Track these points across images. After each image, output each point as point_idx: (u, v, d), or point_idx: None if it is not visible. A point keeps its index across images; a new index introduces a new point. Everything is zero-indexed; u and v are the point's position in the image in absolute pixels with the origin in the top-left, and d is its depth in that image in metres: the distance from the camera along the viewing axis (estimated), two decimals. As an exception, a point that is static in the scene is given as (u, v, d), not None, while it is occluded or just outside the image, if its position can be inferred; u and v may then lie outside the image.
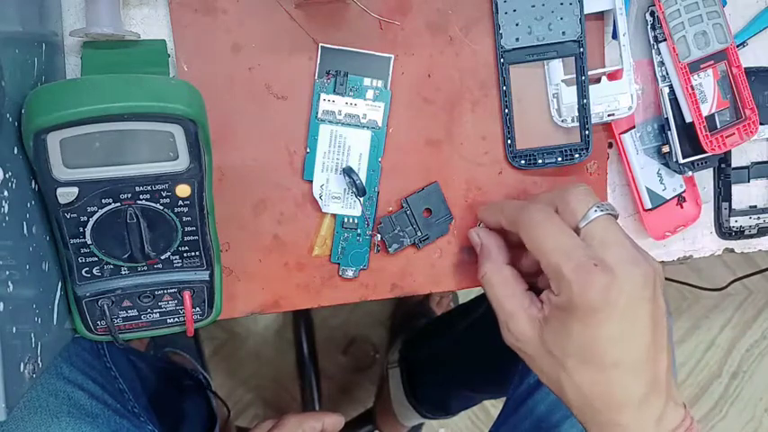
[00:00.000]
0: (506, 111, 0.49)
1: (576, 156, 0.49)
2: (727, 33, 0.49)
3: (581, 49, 0.48)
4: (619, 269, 0.38)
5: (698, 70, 0.49)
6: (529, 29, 0.48)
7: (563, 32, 0.47)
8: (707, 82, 0.50)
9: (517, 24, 0.48)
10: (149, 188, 0.38)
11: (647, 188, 0.51)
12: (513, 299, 0.42)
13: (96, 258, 0.40)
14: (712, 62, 0.49)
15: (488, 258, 0.44)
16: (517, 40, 0.48)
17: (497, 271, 0.44)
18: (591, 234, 0.40)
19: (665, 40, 0.49)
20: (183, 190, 0.39)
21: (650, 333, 0.39)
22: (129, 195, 0.38)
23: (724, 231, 0.54)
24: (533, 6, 0.47)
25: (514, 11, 0.47)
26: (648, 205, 0.51)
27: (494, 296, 0.43)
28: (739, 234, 0.54)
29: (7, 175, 0.34)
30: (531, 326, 0.41)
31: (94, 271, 0.41)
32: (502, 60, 0.48)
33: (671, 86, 0.49)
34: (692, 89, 0.48)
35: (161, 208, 0.39)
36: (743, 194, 0.54)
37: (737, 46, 0.51)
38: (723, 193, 0.53)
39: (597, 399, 0.39)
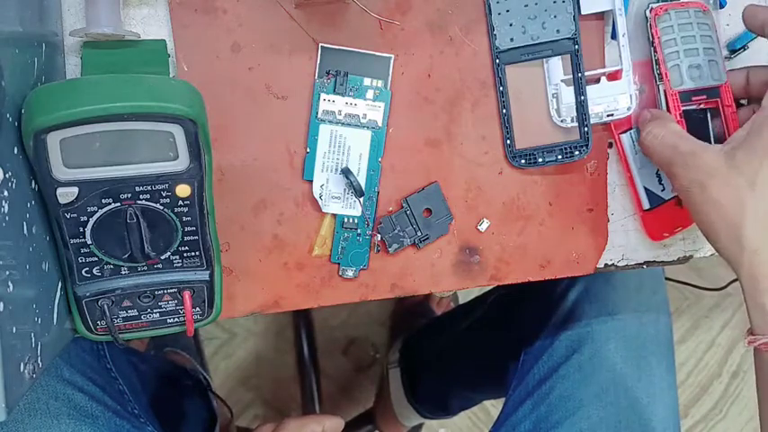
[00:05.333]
0: (504, 111, 0.49)
1: (576, 153, 0.49)
2: (722, 72, 0.49)
3: (576, 47, 0.48)
4: None
5: (689, 101, 0.49)
6: (523, 28, 0.48)
7: (557, 30, 0.47)
8: None
9: (511, 24, 0.48)
10: (149, 188, 0.38)
11: (646, 188, 0.51)
12: (688, 141, 0.45)
13: (96, 258, 0.40)
14: (705, 96, 0.49)
15: (655, 119, 0.47)
16: (512, 40, 0.48)
17: (664, 126, 0.46)
18: None
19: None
20: (182, 190, 0.39)
21: None
22: (129, 195, 0.38)
23: (724, 231, 0.54)
24: (526, 6, 0.47)
25: (508, 11, 0.47)
26: (646, 206, 0.51)
27: (665, 144, 0.45)
28: (739, 234, 0.54)
29: (7, 175, 0.34)
30: (716, 155, 0.43)
31: (94, 271, 0.41)
32: (497, 61, 0.48)
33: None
34: (682, 116, 0.48)
35: (161, 208, 0.39)
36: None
37: (737, 50, 0.51)
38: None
39: None
